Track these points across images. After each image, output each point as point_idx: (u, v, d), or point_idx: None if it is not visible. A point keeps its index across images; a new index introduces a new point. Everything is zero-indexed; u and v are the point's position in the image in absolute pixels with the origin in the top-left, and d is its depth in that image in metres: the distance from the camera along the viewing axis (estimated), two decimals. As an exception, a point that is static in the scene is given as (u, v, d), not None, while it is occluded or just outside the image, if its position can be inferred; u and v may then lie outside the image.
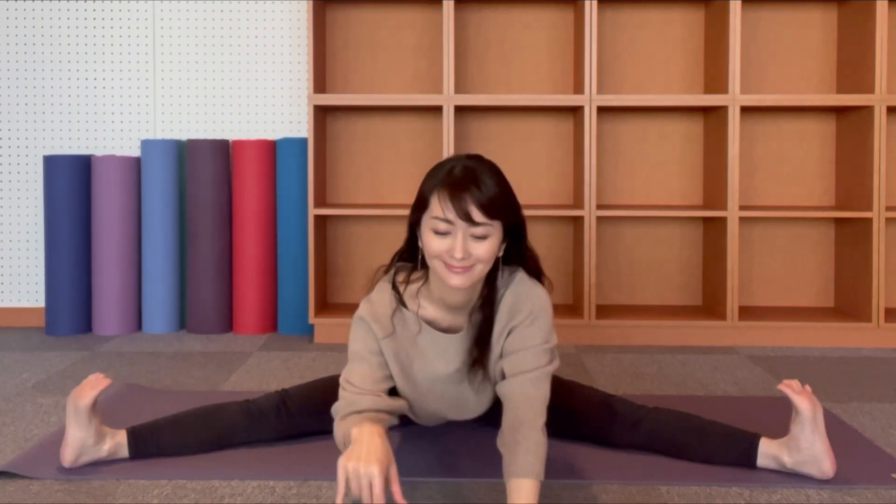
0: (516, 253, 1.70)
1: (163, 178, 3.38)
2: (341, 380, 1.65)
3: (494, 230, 1.59)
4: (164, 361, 2.90)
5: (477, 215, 1.55)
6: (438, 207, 1.57)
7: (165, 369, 2.79)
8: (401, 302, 1.70)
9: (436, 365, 1.73)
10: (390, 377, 1.70)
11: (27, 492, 1.72)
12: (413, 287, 1.71)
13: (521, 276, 1.71)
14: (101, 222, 3.35)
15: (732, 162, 3.14)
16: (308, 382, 2.05)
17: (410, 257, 1.72)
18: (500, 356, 1.69)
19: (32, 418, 2.24)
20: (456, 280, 1.58)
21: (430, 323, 1.71)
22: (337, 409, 1.62)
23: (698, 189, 3.47)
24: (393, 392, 1.75)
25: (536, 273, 1.73)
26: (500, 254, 1.66)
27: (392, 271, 1.73)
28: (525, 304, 1.67)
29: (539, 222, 3.48)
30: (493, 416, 1.82)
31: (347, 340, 3.16)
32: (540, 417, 1.58)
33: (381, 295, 1.70)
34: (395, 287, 1.70)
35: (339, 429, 1.58)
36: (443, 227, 1.56)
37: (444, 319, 1.71)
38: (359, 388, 1.62)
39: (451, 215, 1.55)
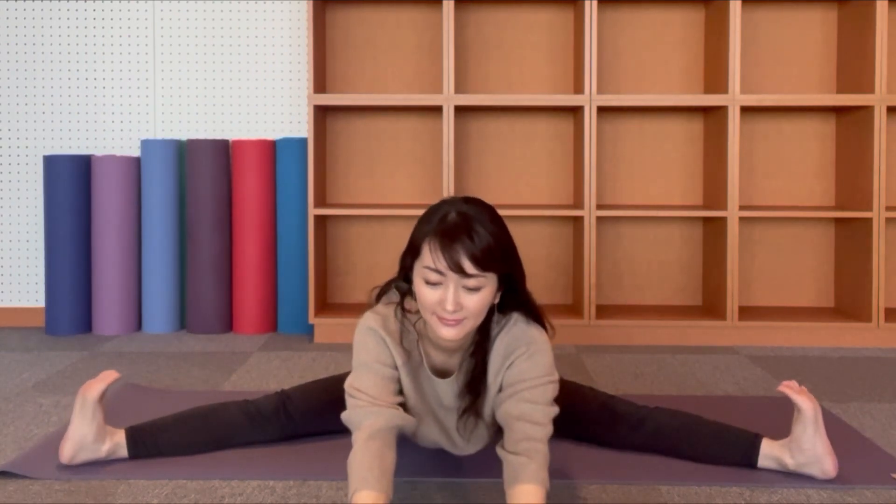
0: (513, 301, 1.63)
1: (163, 178, 3.38)
2: (349, 387, 1.58)
3: (488, 282, 1.53)
4: (164, 361, 2.90)
5: (469, 267, 1.49)
6: (430, 257, 1.51)
7: (165, 369, 2.79)
8: (405, 325, 1.64)
9: (429, 399, 1.69)
10: (401, 392, 1.65)
11: (27, 492, 1.72)
12: (412, 318, 1.65)
13: (517, 318, 1.64)
14: (101, 222, 3.35)
15: (732, 162, 3.14)
16: (307, 383, 2.04)
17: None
18: (500, 390, 1.63)
19: (32, 418, 2.24)
20: (447, 332, 1.53)
21: (427, 356, 1.67)
22: (353, 420, 1.54)
23: (698, 189, 3.47)
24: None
25: (537, 319, 1.66)
26: (496, 301, 1.59)
27: (392, 291, 1.67)
28: (521, 342, 1.61)
29: (539, 222, 3.48)
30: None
31: (348, 340, 3.17)
32: (544, 442, 1.53)
33: (389, 311, 1.65)
34: (403, 308, 1.64)
35: (359, 454, 1.46)
36: (434, 277, 1.51)
37: (438, 357, 1.66)
38: (374, 398, 1.55)
39: (443, 266, 1.49)
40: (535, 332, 1.62)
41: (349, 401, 1.57)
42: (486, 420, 1.68)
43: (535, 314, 1.65)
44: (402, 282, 1.63)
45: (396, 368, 1.62)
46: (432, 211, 1.58)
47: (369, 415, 1.53)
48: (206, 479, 1.79)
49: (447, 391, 1.65)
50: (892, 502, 1.67)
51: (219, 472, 1.82)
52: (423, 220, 1.57)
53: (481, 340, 1.63)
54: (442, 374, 1.68)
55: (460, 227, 1.50)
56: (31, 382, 2.62)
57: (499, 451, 1.55)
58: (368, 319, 1.64)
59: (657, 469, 1.83)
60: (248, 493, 1.72)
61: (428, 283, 1.52)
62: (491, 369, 1.62)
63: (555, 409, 1.57)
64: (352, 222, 3.51)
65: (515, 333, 1.62)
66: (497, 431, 1.69)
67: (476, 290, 1.52)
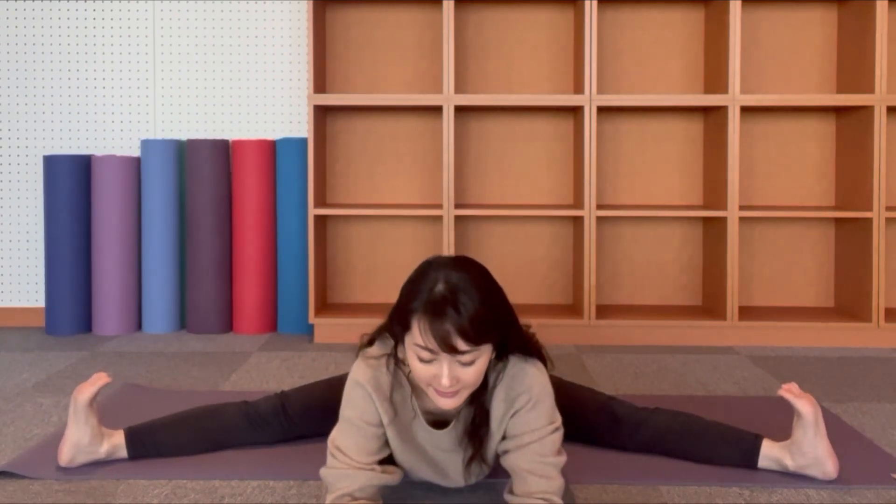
0: (508, 350, 1.59)
1: (163, 178, 3.38)
2: (331, 445, 1.56)
3: (482, 352, 1.49)
4: (164, 361, 2.90)
5: (461, 344, 1.44)
6: (420, 336, 1.46)
7: (165, 369, 2.79)
8: (397, 377, 1.59)
9: (424, 444, 1.66)
10: (385, 446, 1.62)
11: (27, 492, 1.72)
12: (405, 368, 1.59)
13: (513, 360, 1.60)
14: (101, 222, 3.35)
15: (732, 162, 3.14)
16: (307, 385, 2.03)
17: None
18: (504, 438, 1.60)
19: (32, 418, 2.24)
20: (445, 403, 1.51)
21: (420, 401, 1.62)
22: (329, 481, 1.54)
23: (698, 189, 3.47)
24: (385, 459, 1.65)
25: (536, 354, 1.62)
26: (492, 356, 1.56)
27: (385, 338, 1.61)
28: (522, 387, 1.57)
29: (539, 222, 3.48)
30: None
31: (348, 340, 3.17)
32: (559, 494, 1.52)
33: (381, 362, 1.59)
34: (396, 360, 1.59)
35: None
36: (426, 355, 1.47)
37: (432, 402, 1.60)
38: (353, 461, 1.54)
39: (433, 346, 1.45)
40: (533, 371, 1.58)
41: (328, 458, 1.56)
42: (488, 462, 1.67)
43: (533, 351, 1.61)
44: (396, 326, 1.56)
45: (382, 425, 1.59)
46: (419, 278, 1.50)
47: (343, 477, 1.52)
48: (206, 479, 1.79)
49: (445, 439, 1.63)
50: (892, 502, 1.67)
51: (219, 472, 1.82)
52: (410, 289, 1.50)
53: (480, 388, 1.58)
54: (439, 418, 1.64)
55: (448, 301, 1.44)
56: (31, 382, 2.62)
57: (509, 497, 1.54)
58: (358, 372, 1.59)
59: (657, 469, 1.83)
60: (248, 493, 1.72)
61: (421, 360, 1.48)
62: (494, 416, 1.59)
63: (563, 459, 1.56)
64: (352, 222, 3.51)
65: (514, 375, 1.58)
66: (497, 465, 1.68)
67: (471, 363, 1.47)
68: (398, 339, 1.55)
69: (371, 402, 1.57)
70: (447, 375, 1.46)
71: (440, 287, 1.46)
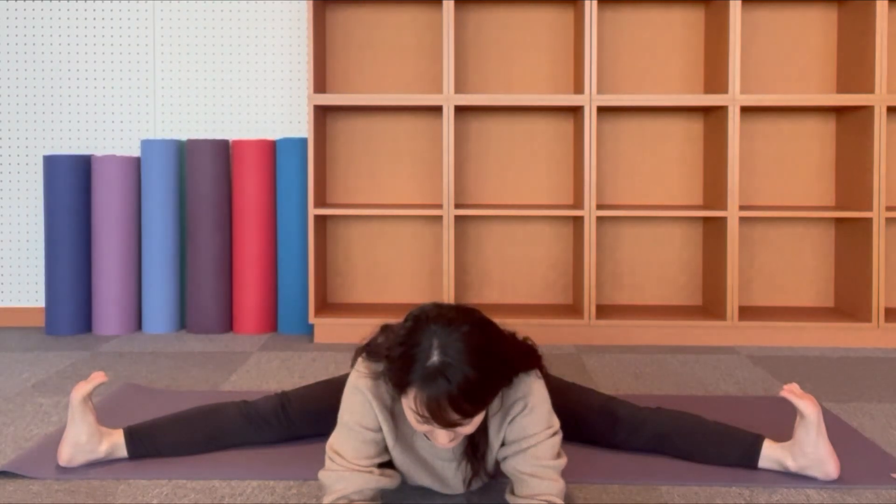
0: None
1: (163, 178, 3.38)
2: (328, 449, 1.57)
3: (480, 413, 1.48)
4: (164, 361, 2.90)
5: (457, 419, 1.43)
6: (415, 405, 1.43)
7: (165, 369, 2.79)
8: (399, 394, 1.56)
9: (423, 453, 1.65)
10: (383, 451, 1.61)
11: (27, 492, 1.72)
12: None
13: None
14: (101, 222, 3.35)
15: (732, 162, 3.14)
16: (307, 386, 2.03)
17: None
18: (503, 445, 1.60)
19: (32, 418, 2.24)
20: (442, 445, 1.51)
21: None
22: (326, 483, 1.54)
23: (698, 189, 3.47)
24: (384, 463, 1.65)
25: (536, 365, 1.61)
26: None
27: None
28: (518, 395, 1.57)
29: (539, 222, 3.48)
30: None
31: (348, 340, 3.17)
32: (560, 497, 1.52)
33: (380, 374, 1.56)
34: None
35: None
36: (422, 420, 1.45)
37: None
38: (351, 464, 1.54)
39: (429, 418, 1.43)
40: (528, 378, 1.58)
41: (326, 461, 1.56)
42: (488, 472, 1.67)
43: (532, 364, 1.60)
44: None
45: (380, 431, 1.58)
46: (412, 342, 1.44)
47: (341, 479, 1.53)
48: (205, 479, 1.79)
49: (445, 451, 1.63)
50: (892, 502, 1.67)
51: (219, 472, 1.82)
52: (403, 354, 1.44)
53: None
54: None
55: (443, 375, 1.39)
56: (31, 382, 2.62)
57: (510, 498, 1.55)
58: (358, 379, 1.58)
59: (657, 469, 1.83)
60: (248, 493, 1.72)
61: (417, 420, 1.46)
62: (492, 427, 1.59)
63: (563, 462, 1.56)
64: (352, 222, 3.51)
65: (510, 384, 1.57)
66: (496, 469, 1.68)
67: (469, 423, 1.47)
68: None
69: (370, 408, 1.57)
70: (444, 436, 1.47)
71: (434, 360, 1.41)
